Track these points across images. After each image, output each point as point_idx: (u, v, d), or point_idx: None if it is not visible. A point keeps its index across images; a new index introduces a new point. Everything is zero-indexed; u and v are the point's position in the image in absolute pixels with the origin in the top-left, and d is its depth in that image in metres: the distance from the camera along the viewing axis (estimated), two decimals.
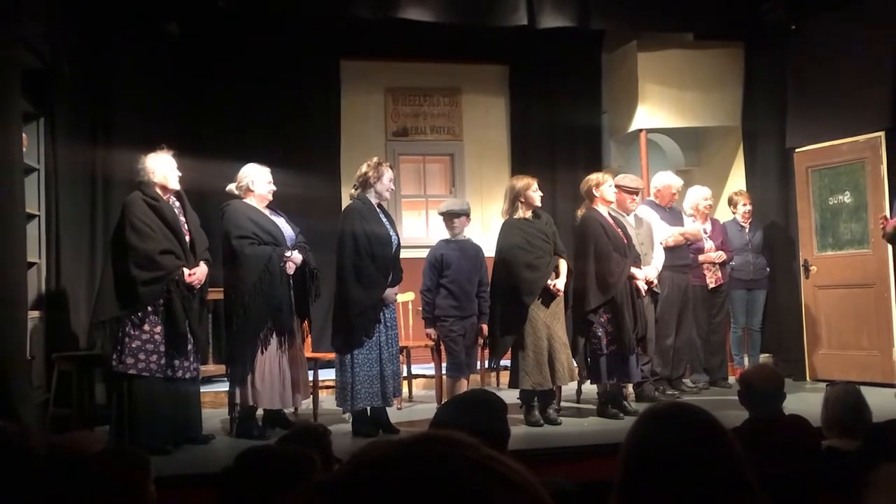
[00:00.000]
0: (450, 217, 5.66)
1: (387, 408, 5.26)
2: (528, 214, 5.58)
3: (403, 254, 5.52)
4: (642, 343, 5.69)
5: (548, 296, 5.45)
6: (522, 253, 5.42)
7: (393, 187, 5.40)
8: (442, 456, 0.76)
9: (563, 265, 5.56)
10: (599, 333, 5.56)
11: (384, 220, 5.29)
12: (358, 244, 5.10)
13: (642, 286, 5.74)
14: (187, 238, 4.97)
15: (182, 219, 5.01)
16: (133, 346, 4.73)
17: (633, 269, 5.67)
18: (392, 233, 5.27)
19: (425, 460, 0.75)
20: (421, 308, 5.71)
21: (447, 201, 6.06)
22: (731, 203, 7.37)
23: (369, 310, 5.11)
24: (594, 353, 5.59)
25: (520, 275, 5.40)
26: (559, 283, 5.48)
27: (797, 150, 7.23)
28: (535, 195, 5.60)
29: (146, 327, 4.76)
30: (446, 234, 5.74)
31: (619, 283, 5.55)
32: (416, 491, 0.72)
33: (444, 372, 5.65)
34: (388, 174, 5.27)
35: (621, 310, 5.52)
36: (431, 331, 5.62)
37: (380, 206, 5.34)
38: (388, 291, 5.22)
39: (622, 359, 5.55)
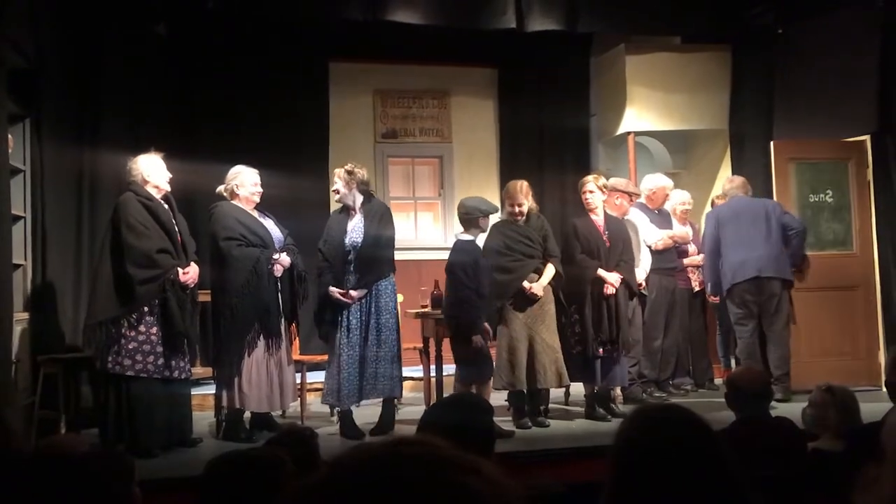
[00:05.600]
0: (486, 215, 5.40)
1: (353, 408, 5.21)
2: (519, 217, 5.52)
3: None
4: (615, 345, 5.62)
5: (525, 298, 5.40)
6: (497, 257, 5.41)
7: (333, 189, 5.48)
8: (420, 459, 0.77)
9: (549, 269, 5.49)
10: (568, 335, 5.59)
11: (353, 222, 5.28)
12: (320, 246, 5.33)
13: (611, 290, 5.64)
14: (178, 239, 4.97)
15: (173, 220, 5.00)
16: (130, 346, 4.71)
17: (603, 273, 5.62)
18: (353, 235, 5.24)
19: (404, 463, 0.77)
20: (460, 315, 5.14)
21: (482, 200, 5.55)
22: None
23: (326, 306, 5.23)
24: (567, 354, 5.60)
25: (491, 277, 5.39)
26: (535, 287, 5.39)
27: (774, 140, 7.00)
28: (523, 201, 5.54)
29: (142, 328, 4.75)
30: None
31: (584, 285, 5.56)
32: (396, 494, 0.74)
33: (473, 378, 5.22)
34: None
35: (584, 311, 5.56)
36: (478, 337, 5.11)
37: (369, 206, 5.34)
38: (349, 293, 5.16)
39: (585, 360, 5.57)
